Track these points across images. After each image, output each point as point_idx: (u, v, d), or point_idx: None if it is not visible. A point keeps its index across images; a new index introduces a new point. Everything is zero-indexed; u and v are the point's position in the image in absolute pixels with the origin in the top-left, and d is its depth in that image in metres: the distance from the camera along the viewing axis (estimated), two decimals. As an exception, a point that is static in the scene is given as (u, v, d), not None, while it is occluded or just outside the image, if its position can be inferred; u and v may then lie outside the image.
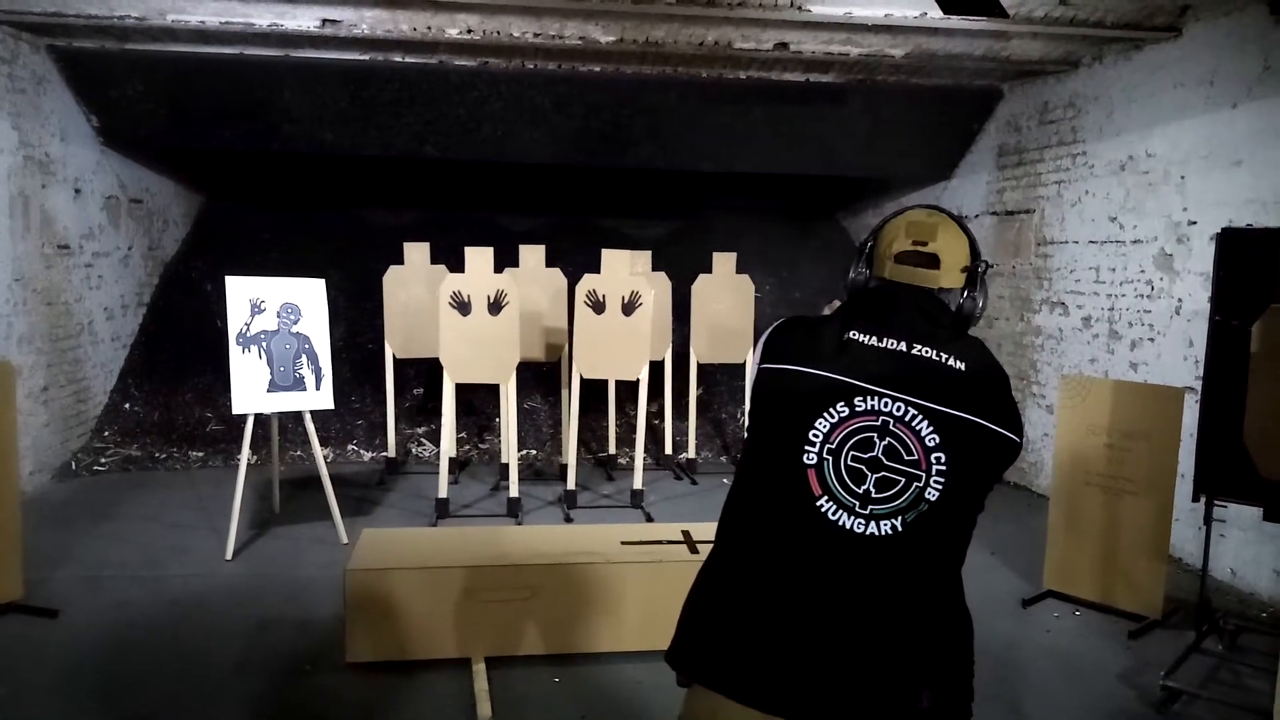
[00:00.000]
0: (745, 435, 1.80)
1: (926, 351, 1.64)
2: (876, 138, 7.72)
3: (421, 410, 7.81)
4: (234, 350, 5.01)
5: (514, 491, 5.78)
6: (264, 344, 5.10)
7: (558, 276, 6.67)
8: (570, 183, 9.01)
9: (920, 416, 1.60)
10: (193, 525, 5.53)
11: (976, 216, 7.74)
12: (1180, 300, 5.45)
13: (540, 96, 7.13)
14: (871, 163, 8.12)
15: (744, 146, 7.70)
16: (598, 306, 5.85)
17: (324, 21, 5.76)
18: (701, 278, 6.91)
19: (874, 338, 1.66)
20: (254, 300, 5.12)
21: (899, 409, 1.61)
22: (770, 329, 1.78)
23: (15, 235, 5.97)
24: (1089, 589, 4.60)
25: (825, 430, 1.62)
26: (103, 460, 6.82)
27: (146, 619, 4.21)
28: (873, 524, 1.59)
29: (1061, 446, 4.71)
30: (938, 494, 1.59)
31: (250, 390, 5.04)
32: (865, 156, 7.95)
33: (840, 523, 1.60)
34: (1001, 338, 7.33)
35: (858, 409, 1.62)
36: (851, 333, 1.67)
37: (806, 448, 1.62)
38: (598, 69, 6.88)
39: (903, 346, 1.64)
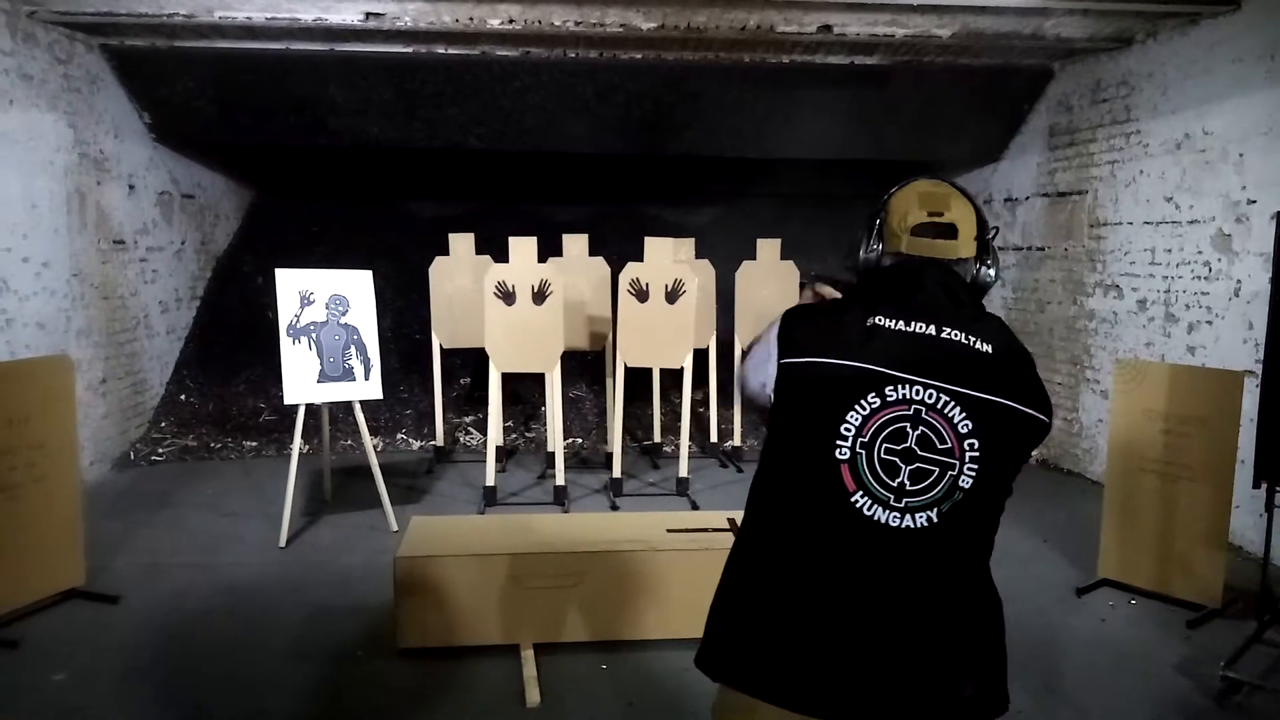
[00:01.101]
0: (767, 430, 1.72)
1: (956, 334, 1.58)
2: (923, 120, 7.60)
3: (468, 400, 7.88)
4: (284, 342, 5.09)
5: (560, 480, 5.81)
6: (314, 335, 5.18)
7: (601, 265, 6.68)
8: (613, 171, 9.01)
9: (953, 403, 1.55)
10: (247, 514, 5.64)
11: (1027, 198, 7.59)
12: (1239, 281, 5.30)
13: (582, 85, 7.13)
14: (919, 146, 7.99)
15: (787, 132, 7.63)
16: (641, 295, 5.84)
17: (367, 15, 5.81)
18: (745, 264, 6.87)
19: (901, 322, 1.59)
20: (303, 292, 5.19)
21: (931, 396, 1.56)
22: (783, 318, 1.69)
23: (72, 231, 6.12)
24: (1145, 577, 4.50)
25: (857, 423, 1.56)
26: (160, 450, 6.99)
27: (203, 605, 4.31)
28: (908, 517, 1.55)
29: (1116, 432, 4.61)
30: (971, 481, 1.56)
31: (301, 381, 5.12)
32: (912, 139, 7.84)
33: (876, 518, 1.56)
34: (1053, 322, 7.19)
35: (889, 399, 1.56)
36: (877, 318, 1.60)
37: (839, 442, 1.57)
38: (639, 56, 6.85)
39: (932, 330, 1.58)
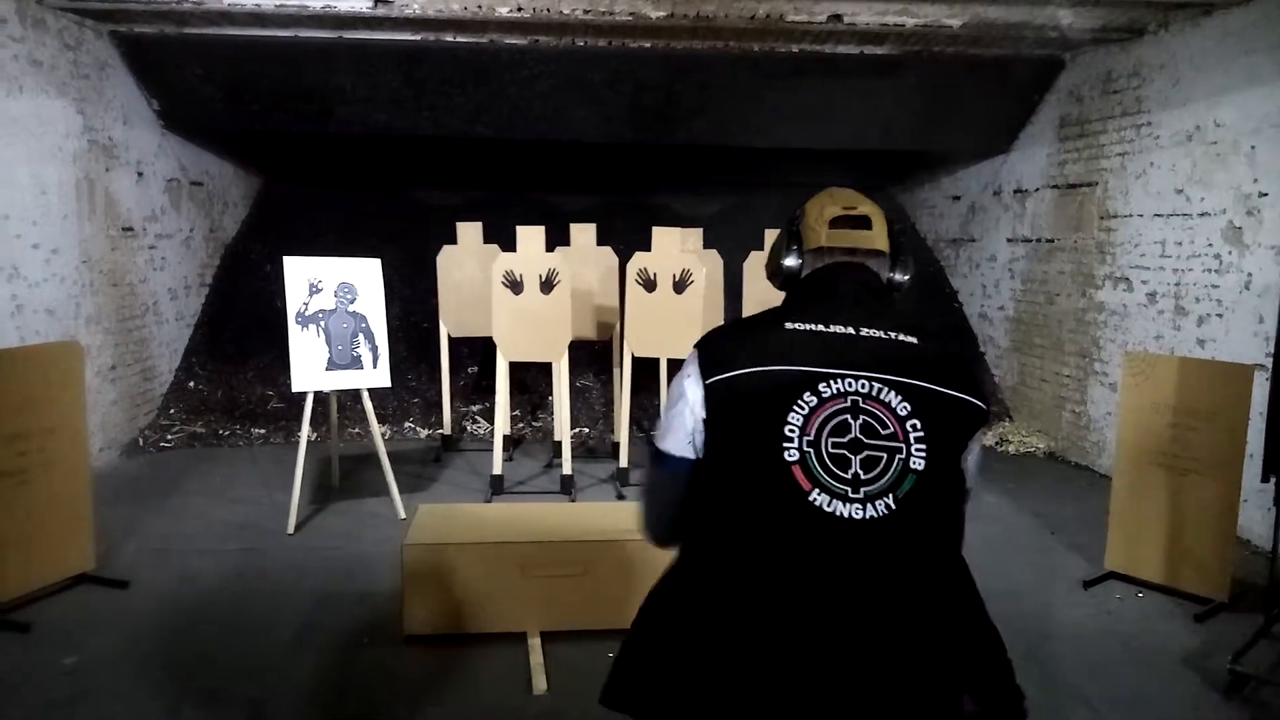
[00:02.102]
0: (703, 454, 1.65)
1: (875, 332, 1.61)
2: (933, 110, 7.57)
3: (476, 388, 7.89)
4: (293, 329, 5.10)
5: (567, 469, 5.82)
6: (322, 323, 5.18)
7: (609, 255, 6.67)
8: (621, 161, 8.99)
9: (887, 389, 1.56)
10: (255, 500, 5.66)
11: (1036, 190, 7.56)
12: (1250, 275, 5.27)
13: (591, 74, 7.11)
14: (927, 136, 7.97)
15: (796, 121, 7.61)
16: (649, 285, 5.84)
17: (376, 2, 5.80)
18: (754, 255, 6.83)
19: (820, 325, 1.61)
20: (312, 280, 5.20)
21: (864, 385, 1.56)
22: (701, 341, 1.68)
23: (81, 218, 6.13)
24: (1153, 570, 4.50)
25: (800, 423, 1.55)
26: (169, 437, 7.01)
27: (212, 590, 4.33)
28: (869, 506, 1.53)
29: (1125, 425, 4.60)
30: (923, 461, 1.54)
31: (309, 369, 5.13)
32: (921, 130, 7.81)
33: (837, 512, 1.52)
34: (1063, 314, 7.17)
35: (824, 395, 1.55)
36: (795, 324, 1.62)
37: (785, 445, 1.54)
38: (648, 45, 6.83)
39: (850, 330, 1.60)
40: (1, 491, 3.96)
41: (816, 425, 1.55)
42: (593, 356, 7.87)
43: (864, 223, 1.73)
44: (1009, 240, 7.99)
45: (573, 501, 5.61)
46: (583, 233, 6.74)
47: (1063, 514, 5.64)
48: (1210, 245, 5.58)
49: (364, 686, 3.50)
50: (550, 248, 5.89)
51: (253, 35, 6.63)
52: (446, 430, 6.94)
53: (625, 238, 7.23)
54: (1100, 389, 6.69)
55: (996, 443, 7.42)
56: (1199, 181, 5.69)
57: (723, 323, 1.80)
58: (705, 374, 1.61)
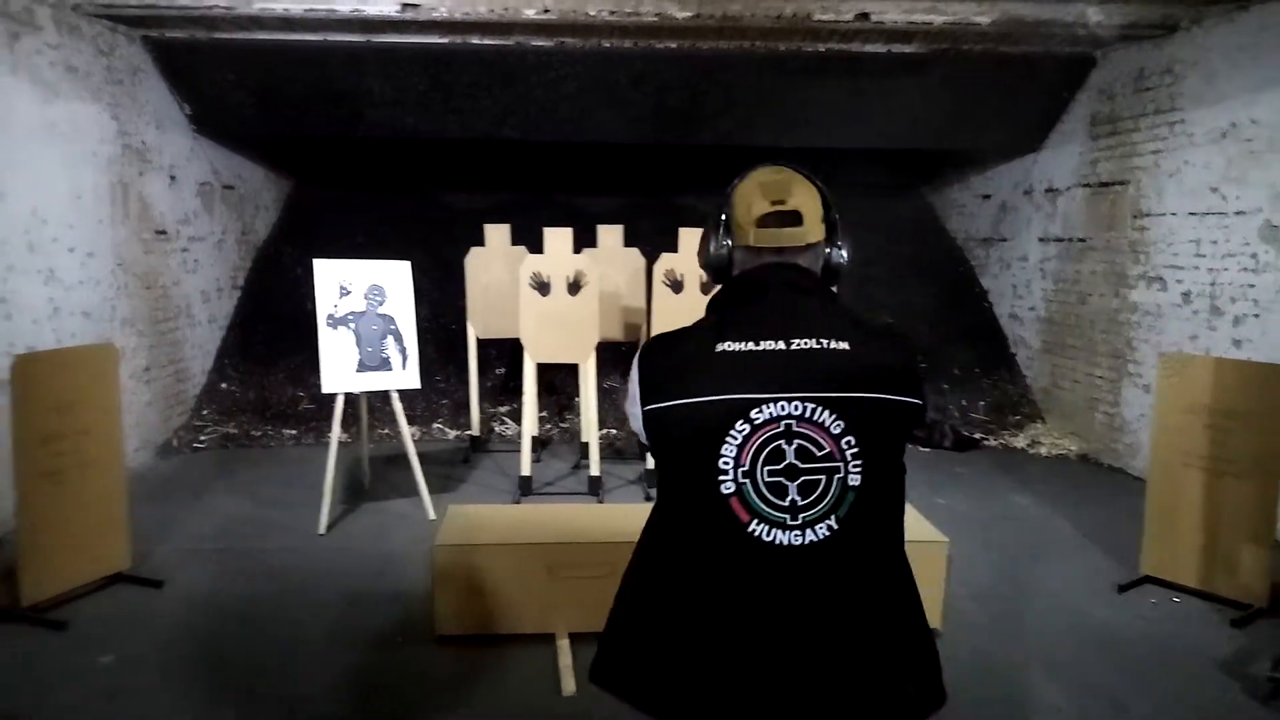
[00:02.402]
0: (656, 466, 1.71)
1: (806, 342, 1.57)
2: (961, 109, 7.51)
3: (504, 390, 7.92)
4: (323, 331, 5.15)
5: (595, 470, 5.82)
6: (352, 325, 5.22)
7: (636, 256, 6.67)
8: (647, 162, 9.00)
9: (818, 407, 1.54)
10: (287, 501, 5.71)
11: (1068, 189, 7.48)
12: (1288, 273, 5.19)
13: (617, 75, 7.12)
14: (956, 135, 7.91)
15: (823, 121, 7.57)
16: (676, 286, 5.83)
17: (404, 5, 5.83)
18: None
19: (749, 342, 1.58)
20: (342, 282, 5.24)
21: (797, 408, 1.54)
22: (639, 357, 1.68)
23: (115, 221, 6.22)
24: (1189, 575, 4.43)
25: (734, 454, 1.54)
26: (202, 438, 7.09)
27: (245, 590, 4.38)
28: (809, 531, 1.53)
29: (1159, 427, 4.54)
30: (860, 477, 1.55)
31: (339, 370, 5.17)
32: (949, 129, 7.75)
33: (776, 541, 1.53)
34: (1095, 314, 7.09)
35: (757, 421, 1.54)
36: (725, 344, 1.59)
37: (721, 478, 1.54)
38: (673, 45, 6.82)
39: (780, 344, 1.57)
40: (39, 492, 4.01)
41: (751, 454, 1.54)
42: (619, 358, 7.87)
43: (793, 219, 1.67)
44: (1040, 240, 7.91)
45: (600, 503, 5.61)
46: (610, 234, 6.75)
47: (1096, 517, 5.57)
48: (1246, 244, 5.50)
49: (396, 686, 3.52)
50: (577, 249, 5.90)
51: (282, 40, 6.69)
52: (475, 431, 6.97)
53: (652, 239, 7.23)
54: (1134, 390, 6.61)
55: (1028, 444, 7.35)
56: (1234, 179, 5.60)
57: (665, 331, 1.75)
58: (644, 398, 1.62)
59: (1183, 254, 6.08)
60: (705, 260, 1.78)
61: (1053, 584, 4.57)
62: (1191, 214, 5.99)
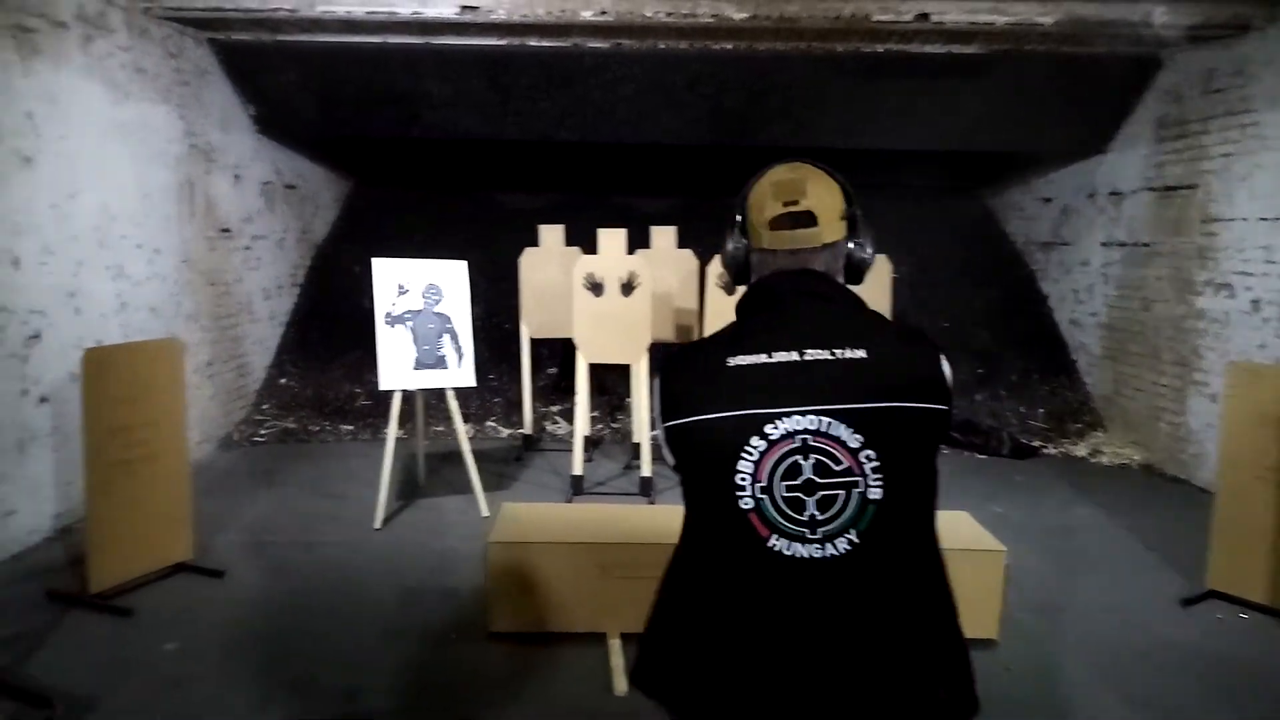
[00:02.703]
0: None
1: (820, 353, 1.54)
2: (1022, 111, 7.38)
3: (555, 389, 7.97)
4: (381, 329, 5.22)
5: (647, 471, 5.83)
6: (409, 323, 5.29)
7: (689, 258, 6.66)
8: (701, 163, 8.97)
9: (835, 421, 1.51)
10: (344, 495, 5.80)
11: (1133, 192, 7.31)
12: (1367, 281, 5.01)
13: (673, 76, 7.12)
14: (1017, 137, 7.78)
15: (880, 122, 7.50)
16: (729, 288, 5.81)
17: (463, 8, 5.90)
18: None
19: (763, 354, 1.55)
20: (399, 281, 5.31)
21: (812, 422, 1.51)
22: (662, 371, 1.67)
23: (182, 219, 6.38)
24: (1257, 590, 4.29)
25: (750, 470, 1.52)
26: (261, 432, 7.24)
27: (303, 583, 4.46)
28: (829, 545, 1.51)
29: (1227, 438, 4.42)
30: (881, 491, 1.51)
31: (397, 368, 5.24)
32: (1010, 131, 7.62)
33: (796, 555, 1.51)
34: (1160, 321, 6.91)
35: (772, 437, 1.52)
36: (739, 358, 1.56)
37: (739, 494, 1.53)
38: (730, 47, 6.80)
39: (795, 355, 1.54)
40: (108, 482, 4.13)
41: (768, 470, 1.53)
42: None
43: (806, 220, 1.64)
44: (1103, 244, 7.74)
45: (652, 504, 5.61)
46: (663, 235, 6.75)
47: (1159, 528, 5.44)
48: (1322, 250, 5.32)
49: (450, 681, 3.55)
50: (630, 250, 5.91)
51: (343, 42, 6.79)
52: (527, 430, 7.02)
53: (705, 240, 7.21)
54: (1200, 399, 6.43)
55: (1089, 453, 7.20)
56: (1310, 183, 5.43)
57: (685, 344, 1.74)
58: (665, 414, 1.63)
59: (1253, 260, 5.90)
60: (724, 262, 1.79)
61: (1114, 597, 4.47)
62: (1263, 219, 5.82)
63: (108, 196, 5.52)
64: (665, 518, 4.37)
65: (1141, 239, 7.17)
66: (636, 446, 6.27)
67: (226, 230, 7.05)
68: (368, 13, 5.99)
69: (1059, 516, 5.72)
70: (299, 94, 7.32)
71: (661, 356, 7.10)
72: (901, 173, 9.25)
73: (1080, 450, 7.25)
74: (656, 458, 6.30)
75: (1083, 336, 8.11)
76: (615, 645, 3.76)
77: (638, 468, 6.02)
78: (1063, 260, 8.46)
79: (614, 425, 7.59)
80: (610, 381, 7.85)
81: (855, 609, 1.53)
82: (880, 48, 6.78)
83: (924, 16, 5.90)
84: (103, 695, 3.34)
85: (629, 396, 7.31)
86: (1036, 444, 7.32)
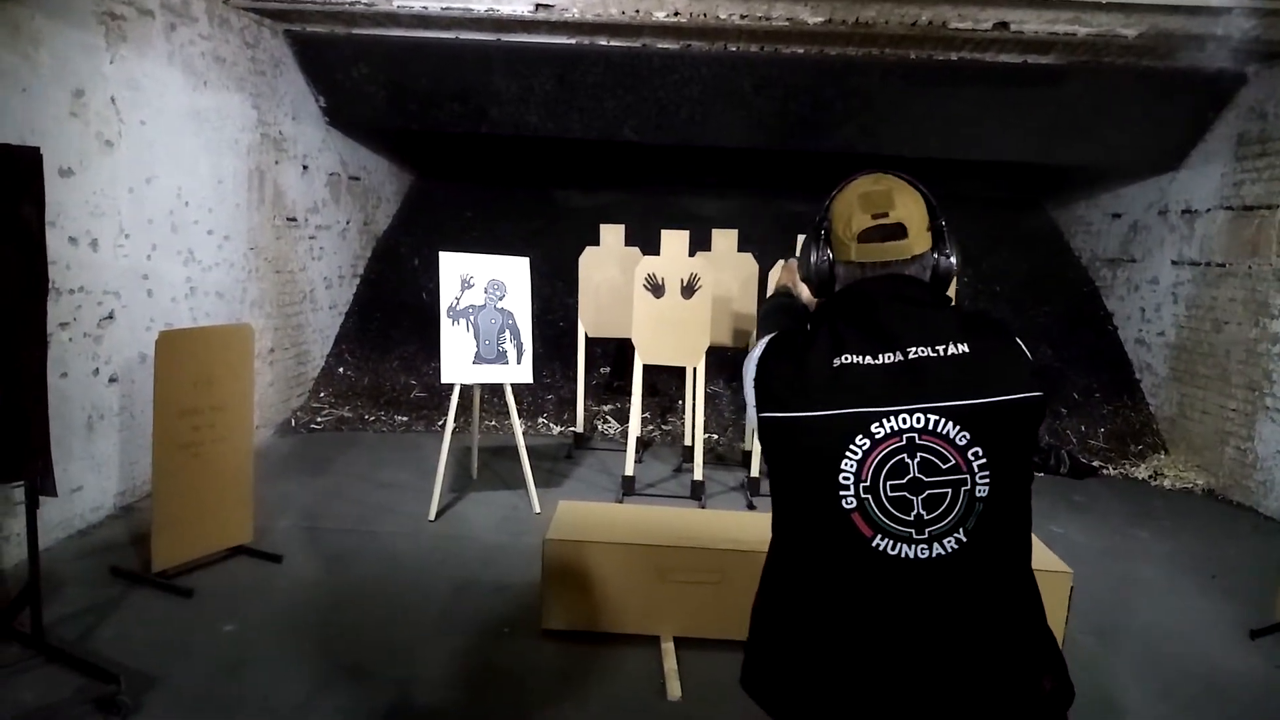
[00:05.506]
0: (769, 470, 1.67)
1: (923, 351, 1.53)
2: (1096, 124, 7.22)
3: (608, 388, 7.97)
4: (444, 323, 5.25)
5: (698, 474, 5.80)
6: (471, 318, 5.33)
7: (749, 262, 6.63)
8: (764, 166, 8.93)
9: (943, 419, 1.49)
10: (399, 485, 5.86)
11: (1208, 211, 7.11)
12: None
13: (741, 79, 7.08)
14: (1090, 151, 7.60)
15: (950, 131, 7.38)
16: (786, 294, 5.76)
17: (537, 6, 5.92)
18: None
19: (867, 355, 1.54)
20: (464, 275, 5.34)
21: (919, 420, 1.50)
22: (757, 358, 1.64)
23: (251, 207, 6.49)
24: (1330, 625, 4.16)
25: (854, 469, 1.50)
26: (319, 419, 7.34)
27: (359, 570, 4.51)
28: (936, 545, 1.49)
29: (1305, 467, 4.28)
30: (988, 488, 1.49)
31: (458, 362, 5.27)
32: (1083, 144, 7.46)
33: (902, 555, 1.49)
34: (1231, 343, 6.72)
35: (878, 436, 1.50)
36: (844, 357, 1.54)
37: (842, 493, 1.51)
38: (800, 50, 6.75)
39: (899, 356, 1.53)
40: (175, 463, 4.20)
41: (872, 470, 1.51)
42: (724, 363, 7.83)
43: (897, 232, 1.62)
44: (1174, 263, 7.55)
45: (703, 507, 5.59)
46: (724, 238, 6.72)
47: (1224, 556, 5.29)
48: None
49: (503, 677, 3.56)
50: (691, 253, 5.89)
51: (416, 37, 6.87)
52: (579, 428, 7.03)
53: (764, 244, 7.17)
54: (1271, 425, 6.24)
55: (1150, 476, 7.02)
56: (1401, 208, 5.24)
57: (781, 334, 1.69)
58: (760, 405, 1.60)
59: (1335, 285, 5.72)
60: (805, 273, 1.76)
61: (1178, 625, 4.35)
62: (1348, 243, 5.63)
63: (182, 182, 5.63)
64: (723, 523, 4.35)
65: (1215, 259, 6.98)
66: (687, 449, 6.25)
67: (293, 219, 7.16)
68: (443, 8, 6.04)
69: (1119, 539, 5.59)
70: (369, 86, 7.40)
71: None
72: (966, 183, 9.11)
73: (1141, 472, 7.08)
74: (708, 462, 6.28)
75: (1148, 356, 7.91)
76: (669, 649, 3.74)
77: (689, 470, 6.00)
78: (1130, 278, 8.27)
79: (664, 428, 7.57)
80: (662, 383, 7.84)
81: (963, 607, 1.52)
82: (954, 56, 6.69)
83: (1003, 25, 5.80)
84: (163, 674, 3.40)
85: (680, 399, 7.29)
86: (1096, 464, 7.16)
